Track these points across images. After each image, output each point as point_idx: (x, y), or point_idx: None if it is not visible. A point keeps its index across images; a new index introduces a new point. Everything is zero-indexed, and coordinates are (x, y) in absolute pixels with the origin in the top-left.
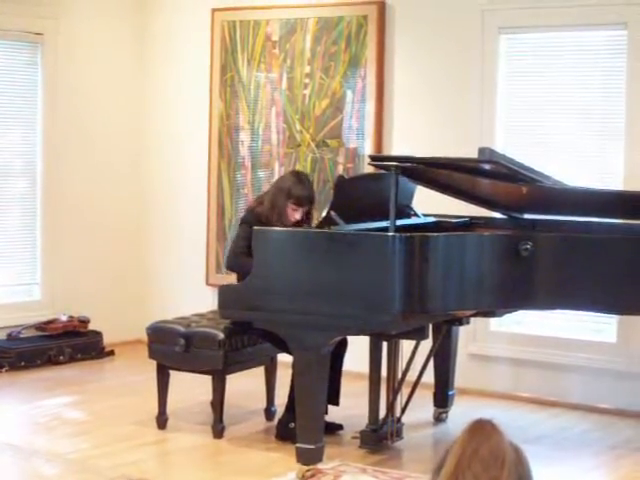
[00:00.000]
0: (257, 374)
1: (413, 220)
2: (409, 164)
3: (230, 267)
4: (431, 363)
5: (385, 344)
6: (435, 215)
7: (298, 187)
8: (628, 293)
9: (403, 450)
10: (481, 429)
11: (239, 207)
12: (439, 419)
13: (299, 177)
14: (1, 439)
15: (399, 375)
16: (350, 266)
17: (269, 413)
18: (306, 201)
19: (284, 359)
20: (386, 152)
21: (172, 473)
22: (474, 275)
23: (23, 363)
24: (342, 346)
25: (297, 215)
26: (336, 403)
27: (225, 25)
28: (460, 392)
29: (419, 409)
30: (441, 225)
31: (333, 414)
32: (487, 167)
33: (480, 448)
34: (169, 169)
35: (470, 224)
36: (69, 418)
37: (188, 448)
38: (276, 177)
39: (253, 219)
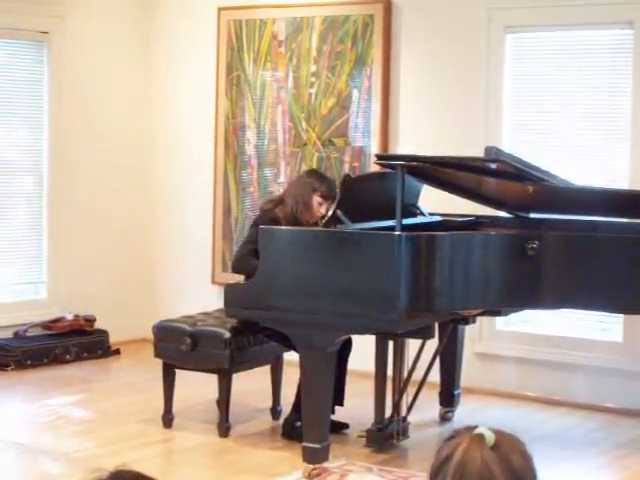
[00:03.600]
0: (263, 373)
1: (419, 219)
2: (415, 163)
3: (235, 270)
4: (437, 362)
5: (391, 343)
6: (441, 214)
7: (322, 181)
8: (634, 292)
9: (409, 449)
10: (472, 456)
11: (245, 206)
12: (445, 418)
13: (320, 173)
14: (7, 437)
15: (405, 374)
16: (356, 265)
17: (275, 412)
18: (332, 194)
19: (290, 358)
20: (392, 151)
21: (178, 472)
22: (480, 274)
23: (29, 362)
24: (347, 346)
25: (322, 209)
26: (340, 403)
27: (231, 24)
28: (466, 391)
29: (425, 408)
30: (447, 224)
31: (339, 413)
32: (493, 166)
33: None
34: (175, 167)
35: (476, 223)
36: (75, 417)
37: (194, 447)
38: (282, 176)
39: (268, 222)
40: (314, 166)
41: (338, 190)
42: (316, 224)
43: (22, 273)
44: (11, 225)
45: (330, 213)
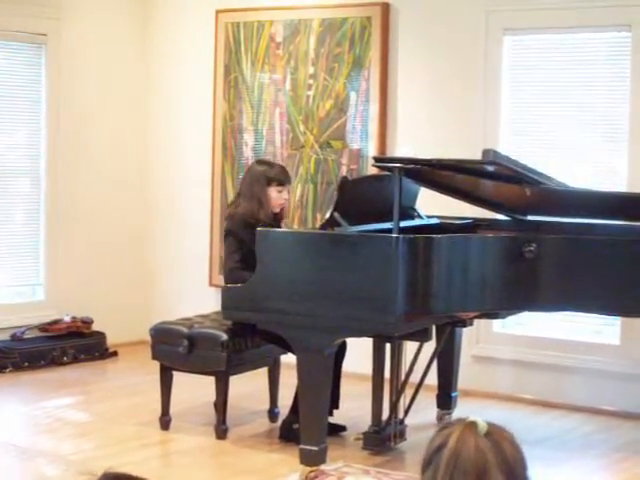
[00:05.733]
0: (260, 375)
1: (417, 222)
2: (413, 165)
3: (229, 285)
4: (434, 365)
5: (388, 346)
6: (439, 217)
7: (273, 169)
8: (632, 295)
9: (406, 452)
10: (466, 443)
11: None
12: (442, 421)
13: (267, 162)
14: (4, 440)
15: (402, 377)
16: (353, 267)
17: (272, 414)
18: (287, 178)
19: (287, 360)
20: (390, 153)
21: (175, 474)
22: (477, 277)
23: (26, 364)
24: (341, 350)
25: (284, 195)
26: (336, 406)
27: (229, 26)
28: (463, 394)
29: (422, 411)
30: (444, 227)
31: (336, 415)
32: (491, 169)
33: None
34: (172, 169)
35: (474, 226)
36: (72, 419)
37: (191, 449)
38: None
39: (237, 225)
40: (312, 169)
41: (336, 193)
42: (280, 213)
43: (19, 275)
44: (9, 227)
45: (327, 215)
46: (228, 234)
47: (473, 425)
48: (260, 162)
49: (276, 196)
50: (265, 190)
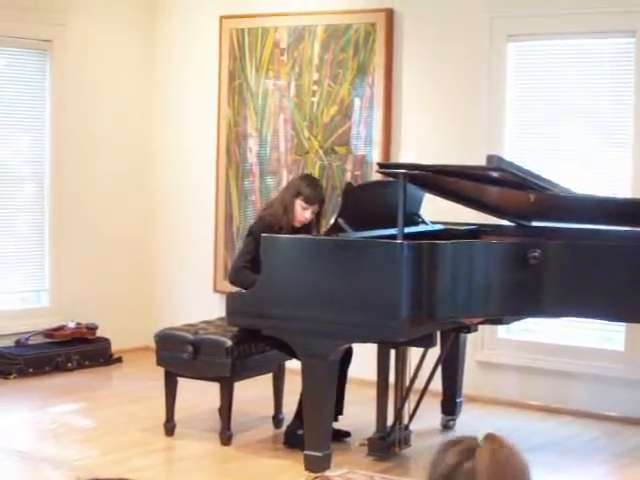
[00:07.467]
0: (265, 381)
1: (421, 228)
2: (417, 171)
3: (232, 281)
4: (439, 371)
5: (393, 351)
6: (443, 223)
7: (308, 186)
8: (636, 301)
9: (411, 458)
10: (501, 454)
11: (247, 214)
12: (447, 427)
13: (309, 178)
14: (9, 446)
15: (407, 382)
16: (358, 273)
17: (277, 420)
18: (315, 199)
19: (292, 366)
20: (394, 159)
21: None
22: (482, 282)
23: (31, 370)
24: (347, 356)
25: (307, 214)
26: (340, 412)
27: (233, 32)
28: (468, 400)
29: (427, 417)
30: (449, 233)
31: (341, 421)
32: (495, 175)
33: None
34: (177, 176)
35: (478, 232)
36: (77, 425)
37: (196, 455)
38: (284, 184)
39: (261, 228)
40: (316, 174)
41: (341, 198)
42: (299, 230)
43: (24, 281)
44: (13, 233)
45: (332, 221)
46: (250, 234)
47: (497, 437)
48: (303, 176)
49: (300, 210)
50: (292, 200)
